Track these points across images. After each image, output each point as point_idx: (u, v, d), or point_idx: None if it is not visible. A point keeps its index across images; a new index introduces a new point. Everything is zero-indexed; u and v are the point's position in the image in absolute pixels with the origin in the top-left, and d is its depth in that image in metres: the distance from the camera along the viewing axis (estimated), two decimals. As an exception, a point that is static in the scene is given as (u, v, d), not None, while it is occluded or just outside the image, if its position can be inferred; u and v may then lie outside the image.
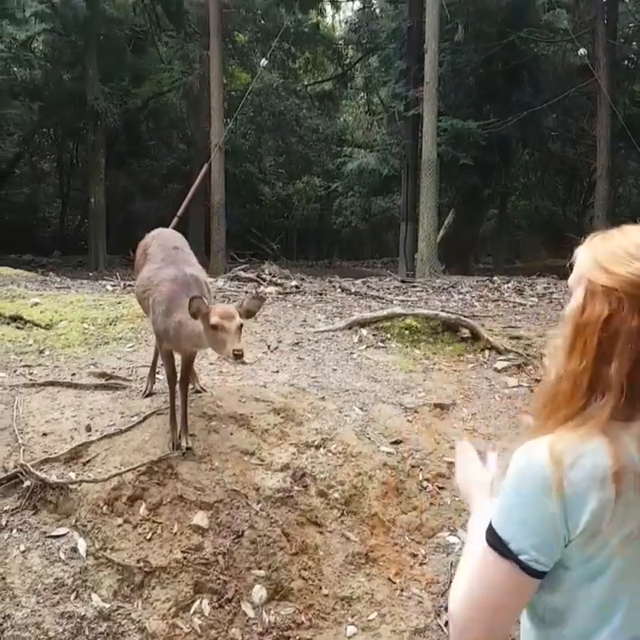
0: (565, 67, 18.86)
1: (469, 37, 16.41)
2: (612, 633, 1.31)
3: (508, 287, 10.84)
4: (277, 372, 5.33)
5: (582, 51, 14.60)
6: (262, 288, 9.24)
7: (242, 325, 3.57)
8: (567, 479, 1.26)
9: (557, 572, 1.32)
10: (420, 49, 14.78)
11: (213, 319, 3.50)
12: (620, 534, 1.27)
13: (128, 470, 3.80)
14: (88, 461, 3.88)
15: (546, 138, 20.03)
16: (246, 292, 8.14)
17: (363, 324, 6.54)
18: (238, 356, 3.43)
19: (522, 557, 1.29)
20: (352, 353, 5.96)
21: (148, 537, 3.60)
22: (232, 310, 3.59)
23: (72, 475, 3.78)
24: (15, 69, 17.84)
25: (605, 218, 15.40)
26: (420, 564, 3.95)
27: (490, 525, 1.34)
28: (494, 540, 1.32)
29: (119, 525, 3.61)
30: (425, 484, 4.37)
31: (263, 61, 16.32)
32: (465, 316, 6.73)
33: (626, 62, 19.39)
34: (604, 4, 16.46)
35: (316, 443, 4.40)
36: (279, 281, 10.13)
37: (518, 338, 6.45)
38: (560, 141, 20.86)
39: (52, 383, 4.66)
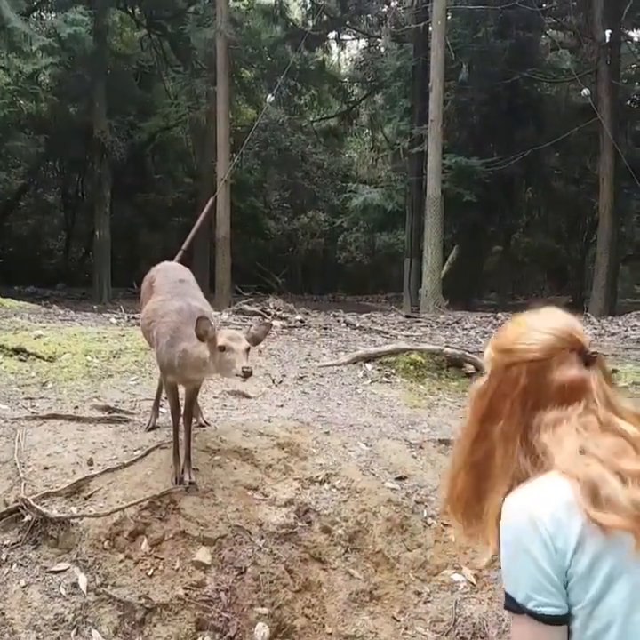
0: (569, 106, 19.12)
1: (474, 77, 16.67)
2: None
3: (512, 323, 10.83)
4: (282, 406, 5.31)
5: (585, 91, 14.82)
6: (267, 321, 9.24)
7: (249, 348, 3.59)
8: (545, 515, 1.33)
9: (571, 612, 1.33)
10: (425, 87, 15.02)
11: (221, 340, 3.53)
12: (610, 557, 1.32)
13: (130, 505, 3.76)
14: (90, 496, 3.84)
15: (549, 176, 20.22)
16: (250, 326, 8.14)
17: (367, 358, 6.54)
18: (247, 374, 3.45)
19: (529, 606, 1.32)
20: (357, 388, 5.94)
21: (149, 573, 3.55)
22: (239, 333, 3.63)
23: (73, 509, 3.75)
24: (22, 102, 17.99)
25: (608, 256, 15.49)
26: (425, 602, 3.89)
27: (505, 591, 1.38)
28: (508, 602, 1.37)
29: (120, 561, 3.56)
30: (429, 520, 4.32)
31: (269, 97, 16.57)
32: (470, 352, 6.73)
33: (629, 102, 19.65)
34: (606, 45, 16.73)
35: (320, 478, 4.36)
36: (284, 315, 10.16)
37: (522, 374, 6.42)
38: (563, 180, 21.06)
39: (54, 416, 4.63)
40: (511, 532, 1.37)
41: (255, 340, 3.76)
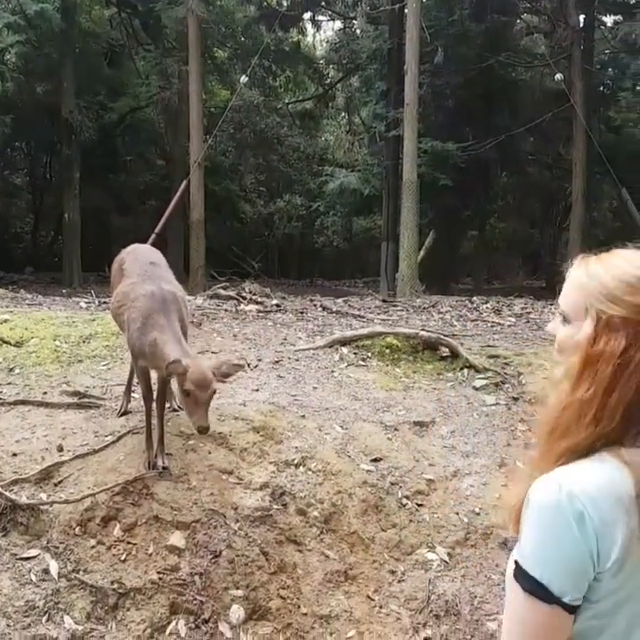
0: (543, 91, 19.15)
1: (449, 60, 16.59)
2: None
3: (487, 307, 10.92)
4: (257, 390, 5.28)
5: (559, 76, 14.83)
6: (243, 306, 9.19)
7: (214, 392, 3.58)
8: (594, 512, 1.23)
9: (582, 604, 1.28)
10: (401, 70, 14.93)
11: (187, 385, 3.50)
12: None
13: (102, 491, 3.72)
14: (60, 482, 3.80)
15: (523, 161, 20.27)
16: (226, 311, 8.09)
17: (343, 342, 6.52)
18: (202, 433, 3.52)
19: (565, 599, 1.25)
20: (333, 371, 5.93)
21: (122, 558, 3.52)
22: (208, 376, 3.56)
23: (43, 496, 3.70)
24: (-14, 81, 17.58)
25: (580, 240, 15.61)
26: (399, 581, 3.92)
27: (522, 571, 1.28)
28: (533, 587, 1.26)
29: (92, 547, 3.53)
30: (404, 501, 4.34)
31: (243, 78, 16.33)
32: (445, 336, 6.74)
33: (602, 88, 19.72)
34: (580, 30, 16.77)
35: (295, 461, 4.36)
36: (259, 299, 10.09)
37: (496, 357, 6.47)
38: (537, 165, 21.14)
39: (22, 402, 4.56)
40: (555, 518, 1.25)
41: (225, 377, 3.75)
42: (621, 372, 1.29)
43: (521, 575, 1.28)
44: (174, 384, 3.83)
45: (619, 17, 17.47)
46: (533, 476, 1.34)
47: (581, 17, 17.10)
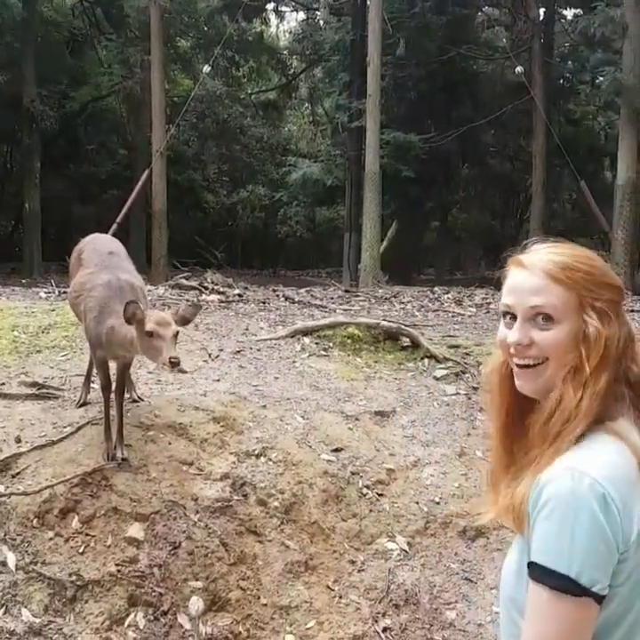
0: (503, 84, 19.34)
1: (411, 52, 16.66)
2: None
3: (448, 297, 11.03)
4: (218, 380, 5.27)
5: (519, 68, 14.99)
6: (204, 296, 9.15)
7: (177, 333, 3.52)
8: (615, 492, 1.21)
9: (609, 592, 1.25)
10: (363, 62, 14.94)
11: (149, 326, 3.44)
12: None
13: (60, 482, 3.69)
14: (18, 473, 3.75)
15: (484, 153, 20.48)
16: (187, 300, 8.03)
17: (305, 332, 6.53)
18: (174, 365, 3.38)
19: (595, 589, 1.19)
20: (294, 361, 5.94)
21: (80, 550, 3.50)
22: (168, 317, 3.53)
23: (0, 488, 3.65)
24: (-55, 70, 17.19)
25: (540, 232, 15.83)
26: (359, 571, 3.95)
27: (545, 569, 1.22)
28: (561, 582, 1.20)
29: (50, 539, 3.50)
30: (365, 491, 4.37)
31: (206, 68, 16.20)
32: (406, 326, 6.79)
33: (561, 81, 19.98)
34: (540, 23, 16.97)
35: (256, 452, 4.36)
36: (222, 289, 10.06)
37: (457, 346, 6.54)
38: (498, 157, 21.37)
39: (-20, 393, 4.49)
40: (577, 507, 1.20)
41: (184, 321, 3.69)
42: (617, 353, 1.31)
43: (545, 574, 1.21)
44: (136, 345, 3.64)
45: (578, 10, 17.69)
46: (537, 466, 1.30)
47: (541, 10, 17.31)
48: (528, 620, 1.26)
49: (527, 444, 1.36)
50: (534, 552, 1.24)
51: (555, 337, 1.32)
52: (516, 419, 1.43)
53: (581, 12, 17.42)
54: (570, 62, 19.63)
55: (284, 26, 25.11)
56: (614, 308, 1.32)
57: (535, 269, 1.35)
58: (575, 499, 1.20)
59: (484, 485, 1.47)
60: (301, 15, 22.77)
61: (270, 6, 20.53)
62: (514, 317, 1.37)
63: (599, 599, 1.21)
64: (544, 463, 1.28)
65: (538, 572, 1.22)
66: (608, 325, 1.31)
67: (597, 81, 19.68)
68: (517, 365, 1.38)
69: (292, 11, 22.29)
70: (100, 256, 4.21)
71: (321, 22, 20.54)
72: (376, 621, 3.69)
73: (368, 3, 15.27)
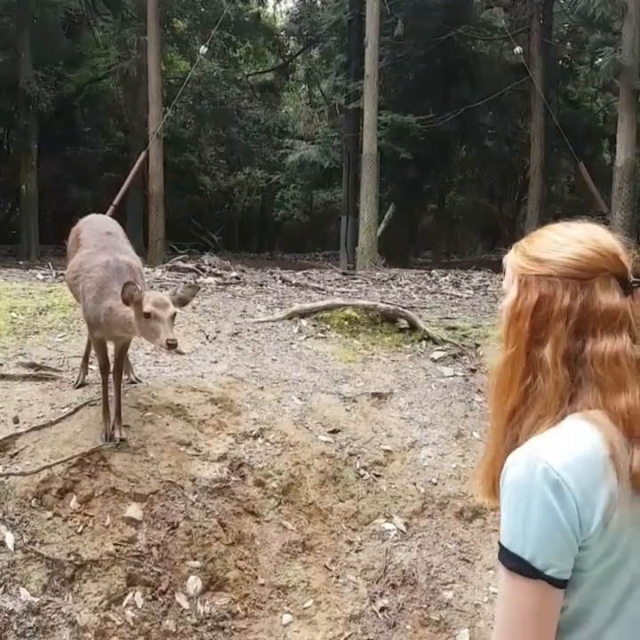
0: (502, 65, 19.21)
1: (409, 33, 16.52)
2: (628, 627, 1.28)
3: (446, 280, 11.03)
4: (216, 362, 5.27)
5: (518, 49, 14.85)
6: (201, 279, 9.13)
7: (175, 314, 3.52)
8: (571, 480, 1.21)
9: (573, 577, 1.25)
10: (361, 42, 14.80)
11: (146, 307, 3.43)
12: (632, 524, 1.24)
13: (58, 462, 3.70)
14: (16, 454, 3.76)
15: (482, 135, 20.37)
16: (184, 282, 8.02)
17: (303, 314, 6.53)
18: (172, 346, 3.38)
19: (549, 572, 1.21)
20: (291, 343, 5.94)
21: (78, 530, 3.51)
22: (166, 298, 3.53)
23: (-1, 468, 3.66)
24: (-60, 51, 17.05)
25: (538, 214, 15.80)
26: (356, 551, 3.98)
27: (504, 549, 1.25)
28: (515, 564, 1.23)
29: (49, 519, 3.51)
30: (362, 472, 4.39)
31: (203, 49, 16.06)
32: (403, 308, 6.79)
33: (560, 62, 19.85)
34: (539, 3, 16.82)
35: (253, 433, 4.37)
36: (219, 272, 10.03)
37: (454, 328, 6.55)
38: (496, 139, 21.26)
39: (-23, 374, 4.49)
40: (530, 491, 1.22)
41: (182, 303, 3.70)
42: (540, 325, 1.33)
43: (503, 554, 1.25)
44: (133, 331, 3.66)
45: (577, -9, 17.53)
46: (498, 444, 1.35)
47: (541, -10, 17.14)
48: (497, 600, 1.31)
49: None
50: (501, 533, 1.27)
51: (501, 305, 1.44)
52: None
53: (581, -8, 17.28)
54: (568, 43, 19.49)
55: (281, 6, 24.83)
56: (540, 281, 1.34)
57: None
58: (530, 484, 1.22)
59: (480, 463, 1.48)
60: (299, -5, 22.55)
61: (267, -14, 20.37)
62: None
63: (557, 584, 1.22)
64: (497, 430, 1.36)
65: (500, 552, 1.26)
66: (524, 296, 1.36)
67: (596, 62, 19.55)
68: None
69: (289, -9, 22.09)
70: (98, 236, 4.20)
71: (318, 2, 20.37)
72: (373, 601, 3.72)
73: (366, -18, 15.09)
